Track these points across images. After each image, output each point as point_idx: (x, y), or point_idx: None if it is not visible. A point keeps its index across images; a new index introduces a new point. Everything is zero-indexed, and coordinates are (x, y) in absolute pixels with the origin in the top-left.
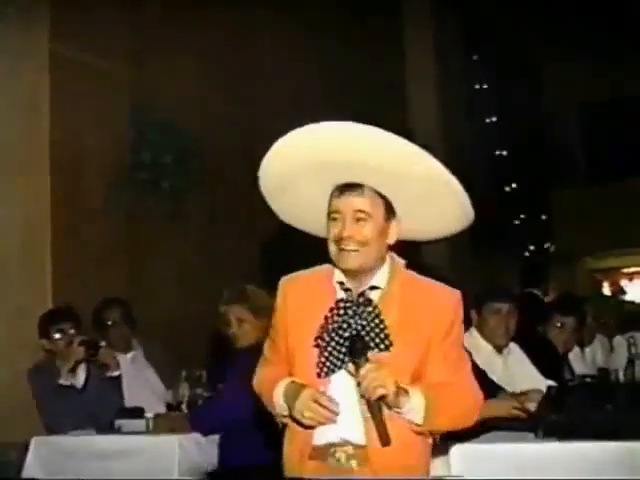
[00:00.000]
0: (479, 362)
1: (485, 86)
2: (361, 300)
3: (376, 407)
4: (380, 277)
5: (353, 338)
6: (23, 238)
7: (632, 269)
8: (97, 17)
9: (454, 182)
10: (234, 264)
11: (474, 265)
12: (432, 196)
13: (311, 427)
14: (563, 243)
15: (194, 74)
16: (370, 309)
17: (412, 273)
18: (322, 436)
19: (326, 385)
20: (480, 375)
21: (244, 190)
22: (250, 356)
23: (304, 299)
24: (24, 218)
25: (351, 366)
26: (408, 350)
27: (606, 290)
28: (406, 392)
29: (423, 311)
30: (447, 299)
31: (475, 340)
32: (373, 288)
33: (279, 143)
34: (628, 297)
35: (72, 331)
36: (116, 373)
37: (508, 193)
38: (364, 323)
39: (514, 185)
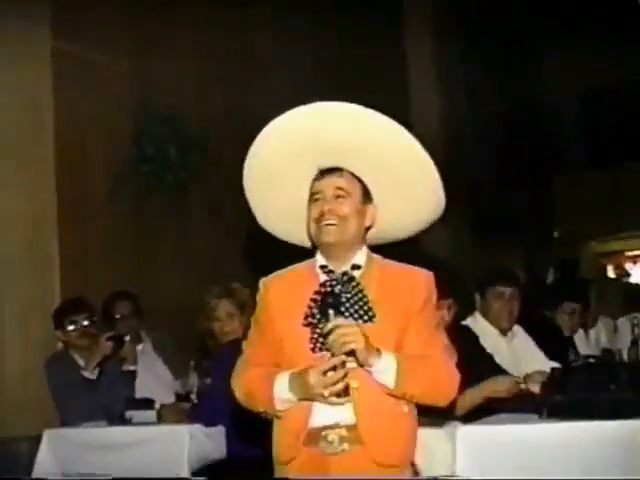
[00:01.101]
0: (486, 345)
1: (485, 73)
2: (344, 278)
3: (339, 358)
4: (360, 257)
5: (324, 293)
6: (30, 233)
7: (636, 252)
8: (97, 13)
9: (430, 164)
10: (236, 254)
11: (476, 253)
12: (408, 179)
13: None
14: (566, 228)
15: (194, 67)
16: (354, 284)
17: (387, 260)
18: (316, 419)
19: (323, 359)
20: (487, 360)
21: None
22: (238, 349)
23: (287, 290)
24: (30, 213)
25: (322, 326)
26: (389, 322)
27: (610, 273)
28: (378, 351)
29: (399, 289)
30: (420, 278)
31: (480, 324)
32: (354, 268)
33: (262, 133)
34: (632, 279)
35: (86, 322)
36: (132, 367)
37: (510, 180)
38: (349, 296)
39: (517, 173)
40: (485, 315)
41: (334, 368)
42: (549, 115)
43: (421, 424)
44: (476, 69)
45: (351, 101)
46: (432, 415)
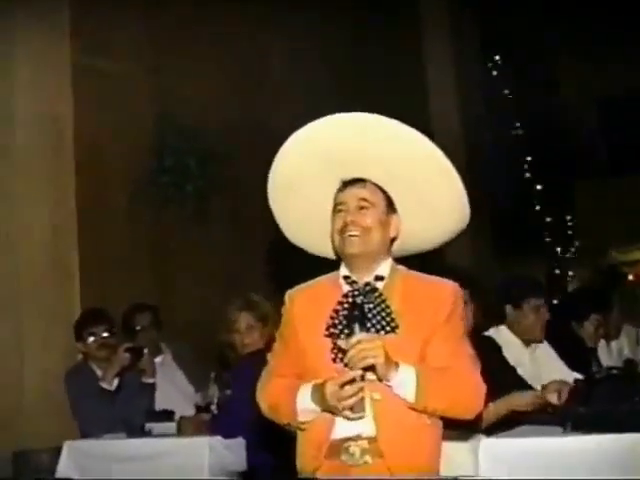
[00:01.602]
0: (509, 357)
1: (503, 77)
2: (367, 289)
3: (359, 377)
4: (384, 268)
5: (351, 305)
6: (50, 242)
7: None
8: (117, 27)
9: (454, 175)
10: (256, 265)
11: (495, 263)
12: (431, 189)
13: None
14: (587, 237)
15: (212, 80)
16: (377, 295)
17: (411, 271)
18: (338, 431)
19: (343, 370)
20: (510, 372)
21: (265, 192)
22: (258, 362)
23: (311, 302)
24: (50, 224)
25: (342, 341)
26: (412, 334)
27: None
28: (396, 365)
29: (423, 300)
30: (446, 290)
31: (504, 335)
32: (377, 279)
33: (285, 145)
34: None
35: (105, 334)
36: (151, 380)
37: (532, 190)
38: (371, 307)
39: (538, 182)
40: (516, 327)
41: (352, 381)
42: (569, 120)
43: (448, 437)
44: (494, 72)
45: (367, 104)
46: (460, 428)
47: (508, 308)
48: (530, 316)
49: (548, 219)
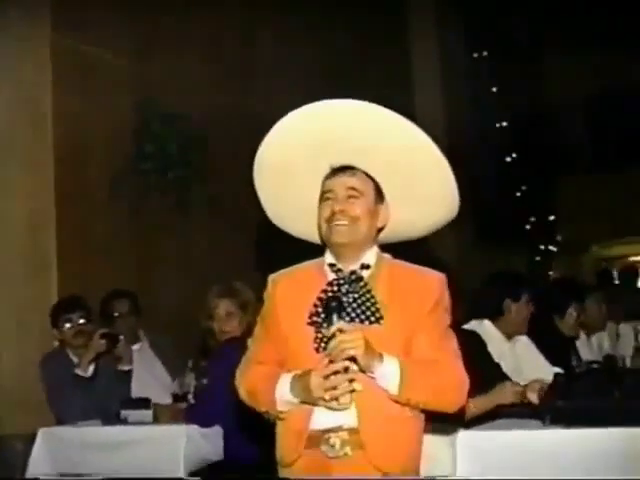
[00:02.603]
0: (492, 351)
1: (488, 71)
2: (353, 277)
3: (341, 364)
4: (369, 257)
5: (328, 297)
6: (28, 231)
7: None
8: (98, 8)
9: (444, 162)
10: (239, 254)
11: (477, 255)
12: (421, 178)
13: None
14: (569, 232)
15: (196, 65)
16: (362, 284)
17: (397, 260)
18: (319, 421)
19: (325, 360)
20: (494, 368)
21: (248, 180)
22: (236, 349)
23: (294, 288)
24: (29, 211)
25: (325, 330)
26: (397, 325)
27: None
28: (380, 356)
29: (409, 291)
30: (431, 280)
31: (487, 329)
32: (363, 267)
33: (273, 129)
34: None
35: (82, 321)
36: (127, 367)
37: (514, 184)
38: (356, 296)
39: (520, 177)
40: (509, 320)
41: (336, 372)
42: (553, 114)
43: (429, 430)
44: (479, 66)
45: (352, 95)
46: (442, 421)
47: (507, 302)
48: (524, 310)
49: (531, 213)
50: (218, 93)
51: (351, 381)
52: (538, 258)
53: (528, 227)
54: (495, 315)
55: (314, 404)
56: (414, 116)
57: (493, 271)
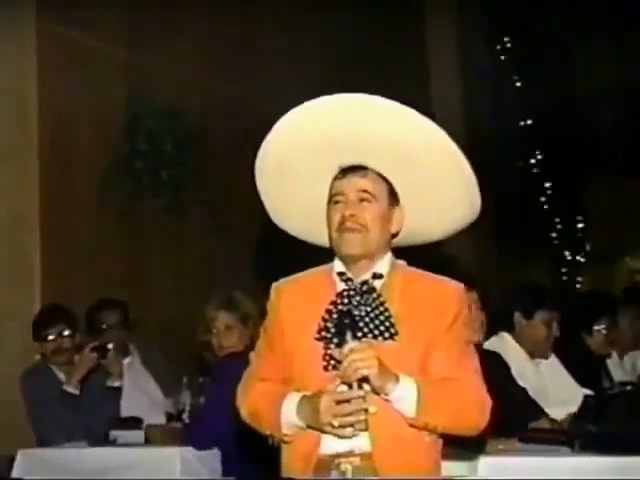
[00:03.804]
0: (514, 370)
1: (511, 63)
2: (364, 288)
3: (356, 392)
4: (382, 265)
5: (341, 312)
6: (10, 233)
7: None
8: None
9: (462, 159)
10: (238, 259)
11: (499, 265)
12: (438, 177)
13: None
14: (599, 240)
15: (194, 56)
16: (374, 296)
17: (412, 268)
18: (329, 445)
19: (335, 380)
20: (519, 393)
21: (249, 181)
22: (237, 365)
23: (300, 299)
24: (10, 212)
25: (335, 351)
26: (413, 341)
27: None
28: (395, 377)
29: (425, 303)
30: (450, 292)
31: (507, 345)
32: (375, 277)
33: (277, 125)
34: None
35: (66, 333)
36: (117, 384)
37: (539, 185)
38: (368, 310)
39: (546, 178)
40: (523, 338)
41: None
42: (582, 113)
43: (447, 456)
44: (501, 58)
45: (364, 91)
46: (461, 446)
47: (517, 316)
48: (540, 329)
49: (557, 219)
50: (217, 86)
51: (363, 407)
52: (564, 269)
53: (554, 235)
54: (510, 331)
55: (321, 430)
56: (430, 110)
57: (513, 284)
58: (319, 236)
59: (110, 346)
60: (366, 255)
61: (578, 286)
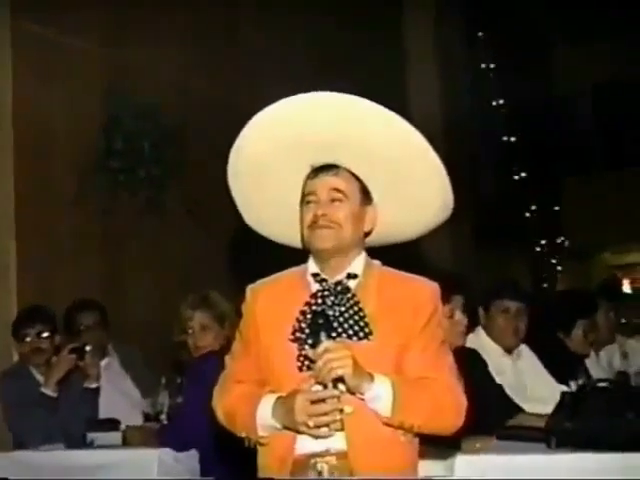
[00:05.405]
0: (491, 366)
1: (492, 66)
2: (339, 288)
3: (331, 392)
4: (357, 265)
5: (315, 313)
6: None
7: None
8: None
9: (433, 155)
10: (218, 260)
11: (477, 262)
12: (410, 174)
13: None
14: (577, 236)
15: (173, 52)
16: (349, 296)
17: (387, 267)
18: (305, 445)
19: (309, 380)
20: (496, 390)
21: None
22: (213, 365)
23: (275, 300)
24: None
25: (309, 349)
26: (388, 340)
27: (626, 288)
28: (371, 377)
29: (400, 302)
30: (425, 291)
31: (482, 341)
32: (350, 277)
33: (250, 123)
34: None
35: (45, 334)
36: (95, 385)
37: (516, 182)
38: (342, 309)
39: (523, 174)
40: (489, 331)
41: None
42: (560, 109)
43: (424, 455)
44: (480, 56)
45: (344, 89)
46: (437, 445)
47: (480, 311)
48: (498, 320)
49: (534, 215)
50: (196, 83)
51: (338, 407)
52: (543, 267)
53: (533, 233)
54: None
55: (297, 431)
56: (406, 108)
57: (488, 280)
58: (294, 238)
59: (88, 348)
60: (339, 250)
61: (557, 284)
